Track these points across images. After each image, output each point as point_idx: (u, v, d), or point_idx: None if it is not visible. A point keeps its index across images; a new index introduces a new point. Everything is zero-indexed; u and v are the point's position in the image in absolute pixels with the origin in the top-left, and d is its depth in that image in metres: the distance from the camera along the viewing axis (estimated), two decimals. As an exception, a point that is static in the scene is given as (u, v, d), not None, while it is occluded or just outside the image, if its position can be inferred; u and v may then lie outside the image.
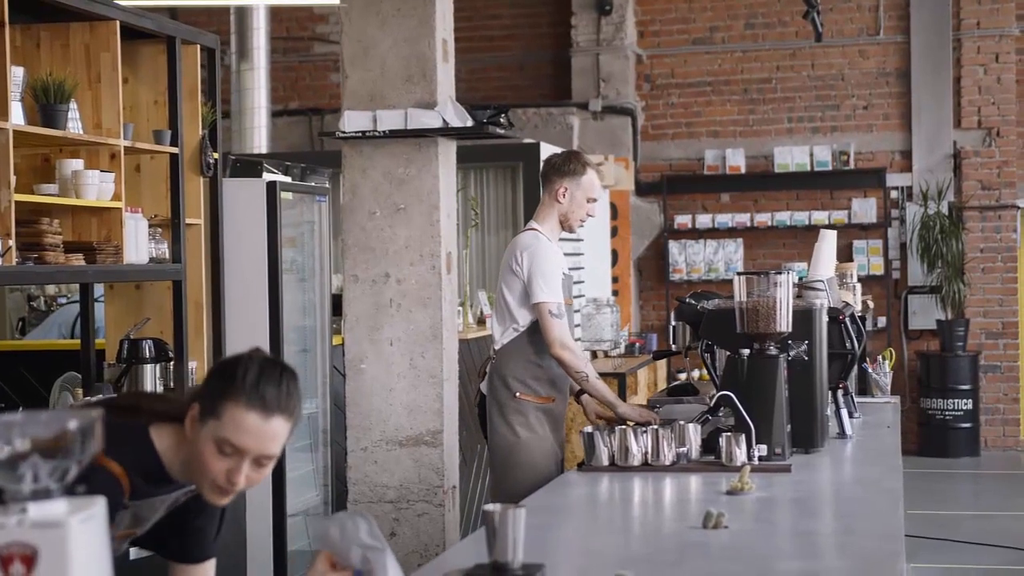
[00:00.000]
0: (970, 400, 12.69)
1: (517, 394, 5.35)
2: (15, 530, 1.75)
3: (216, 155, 6.15)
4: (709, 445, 4.51)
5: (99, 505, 1.83)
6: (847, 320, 5.24)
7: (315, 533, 2.41)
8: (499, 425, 5.37)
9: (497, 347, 5.44)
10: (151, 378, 5.56)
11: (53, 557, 1.75)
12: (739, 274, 4.63)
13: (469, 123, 5.96)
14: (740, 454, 4.33)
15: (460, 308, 8.18)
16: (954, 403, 12.67)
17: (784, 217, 13.20)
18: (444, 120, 5.91)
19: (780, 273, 4.59)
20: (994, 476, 12.10)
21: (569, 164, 5.47)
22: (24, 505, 1.78)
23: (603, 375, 9.39)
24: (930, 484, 11.44)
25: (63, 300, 9.06)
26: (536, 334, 5.33)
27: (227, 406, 2.65)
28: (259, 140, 10.94)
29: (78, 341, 5.97)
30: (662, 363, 11.82)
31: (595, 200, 5.51)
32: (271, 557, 6.41)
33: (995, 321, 13.07)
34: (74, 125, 5.06)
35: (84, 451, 1.81)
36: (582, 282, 10.78)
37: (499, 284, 5.46)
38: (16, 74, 4.84)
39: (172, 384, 5.78)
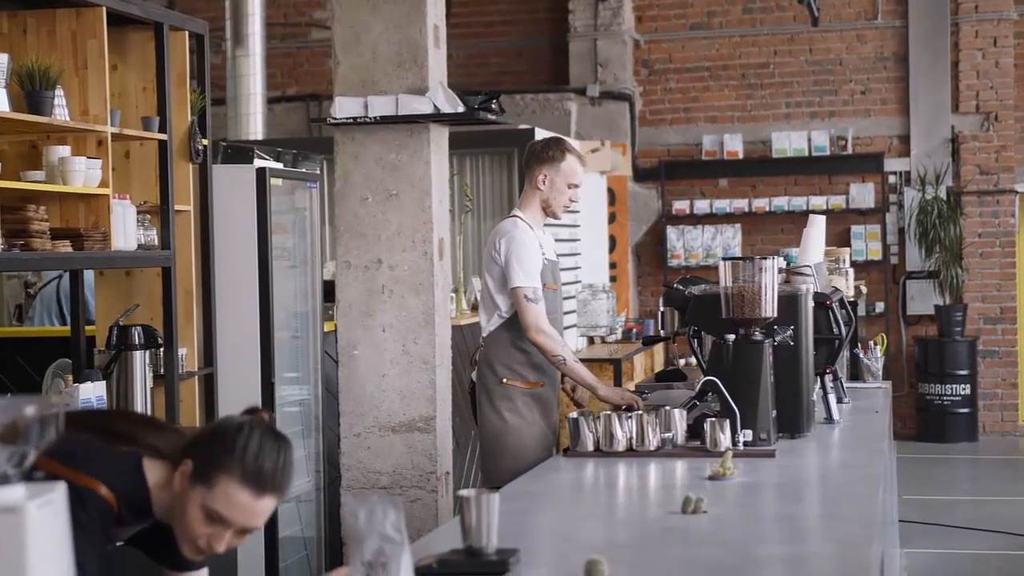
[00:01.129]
0: (968, 385, 12.69)
1: (504, 380, 5.37)
2: (-28, 516, 1.75)
3: (205, 142, 6.15)
4: (695, 431, 4.52)
5: (58, 491, 1.83)
6: (835, 305, 5.24)
7: (343, 507, 2.44)
8: (487, 411, 5.39)
9: (484, 334, 5.46)
10: (140, 364, 5.56)
11: (10, 542, 1.76)
12: (725, 259, 4.64)
13: (460, 109, 5.96)
14: (724, 439, 4.33)
15: (453, 294, 8.20)
16: (952, 388, 12.66)
17: (782, 202, 13.19)
18: (435, 106, 5.91)
19: (765, 258, 4.58)
20: (992, 461, 12.10)
21: (548, 151, 5.48)
22: (-19, 491, 1.79)
23: (599, 361, 9.47)
24: (928, 469, 11.44)
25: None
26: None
27: (221, 478, 2.64)
28: (255, 126, 10.93)
29: (69, 328, 5.97)
30: (659, 349, 11.83)
31: (576, 186, 5.51)
32: (262, 543, 6.42)
33: (993, 306, 13.06)
34: (60, 112, 5.06)
35: (42, 438, 1.82)
36: (578, 268, 10.78)
37: (483, 272, 5.50)
38: (1, 60, 4.84)
39: (163, 371, 5.78)
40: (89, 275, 6.20)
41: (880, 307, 12.97)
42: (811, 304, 4.86)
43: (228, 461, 2.65)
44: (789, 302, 4.71)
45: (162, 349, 5.74)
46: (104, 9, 5.32)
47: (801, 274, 5.32)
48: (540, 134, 10.44)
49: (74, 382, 5.43)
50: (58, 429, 1.86)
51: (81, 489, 2.59)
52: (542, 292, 5.31)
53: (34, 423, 1.81)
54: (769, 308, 4.55)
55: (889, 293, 13.06)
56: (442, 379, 6.05)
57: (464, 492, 2.82)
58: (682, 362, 12.73)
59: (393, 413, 5.93)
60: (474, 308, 8.32)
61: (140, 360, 5.57)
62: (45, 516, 1.79)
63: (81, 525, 2.51)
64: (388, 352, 5.93)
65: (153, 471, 2.74)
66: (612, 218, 12.80)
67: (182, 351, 5.91)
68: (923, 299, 13.03)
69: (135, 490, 2.71)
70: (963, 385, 12.68)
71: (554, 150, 5.48)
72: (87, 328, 5.89)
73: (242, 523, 2.68)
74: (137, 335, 5.56)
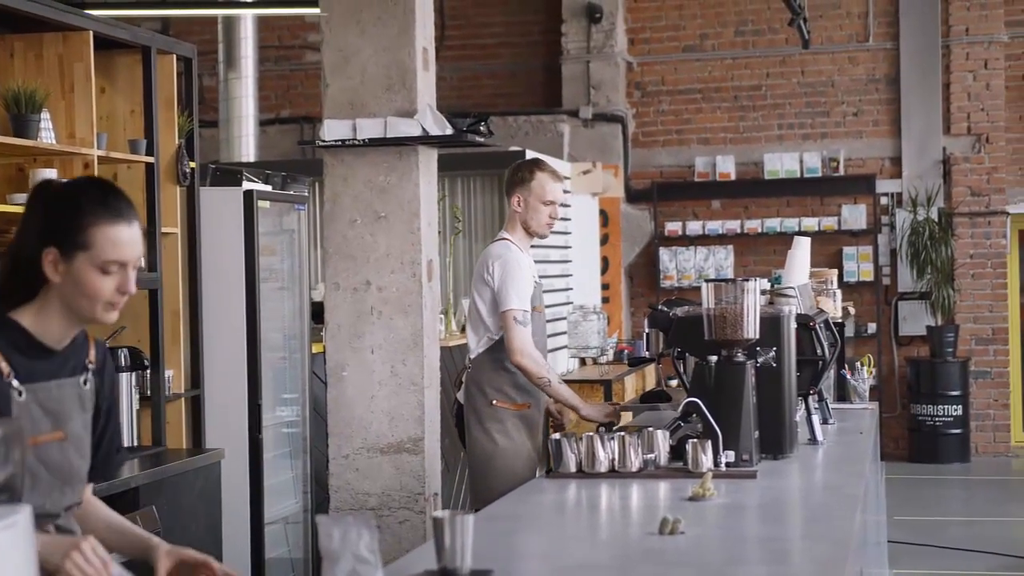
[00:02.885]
0: (960, 406, 12.70)
1: (494, 402, 5.40)
2: (-65, 538, 1.76)
3: (193, 164, 6.18)
4: (679, 452, 4.52)
5: (23, 514, 1.84)
6: (819, 327, 5.25)
7: (320, 527, 2.49)
8: (477, 433, 5.41)
9: (472, 355, 5.48)
10: (127, 386, 5.57)
11: (-27, 564, 1.77)
12: (707, 281, 4.65)
13: (449, 131, 5.98)
14: (706, 460, 4.34)
15: (443, 315, 8.21)
16: (944, 409, 12.67)
17: (774, 224, 13.22)
18: (423, 128, 5.93)
19: (748, 280, 4.60)
20: (984, 482, 12.10)
21: (517, 173, 5.62)
22: (-55, 512, 1.80)
23: (590, 382, 9.47)
24: (920, 490, 11.45)
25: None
26: None
27: (91, 233, 2.75)
28: (247, 149, 10.96)
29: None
30: (651, 370, 11.83)
31: (551, 203, 5.56)
32: (249, 565, 6.41)
33: (985, 327, 13.08)
34: (47, 135, 5.09)
35: (8, 459, 1.83)
36: (570, 289, 10.80)
37: (471, 294, 5.54)
38: (-13, 84, 4.88)
39: (149, 393, 5.79)
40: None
41: (872, 328, 12.99)
42: (793, 325, 4.88)
43: (88, 217, 2.76)
44: (772, 323, 4.72)
45: (148, 371, 5.76)
46: (91, 33, 5.35)
47: (784, 295, 5.33)
48: (530, 156, 10.46)
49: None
50: (23, 450, 1.87)
51: None
52: (531, 316, 5.34)
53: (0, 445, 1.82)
54: (751, 329, 4.56)
55: (881, 314, 13.08)
56: (431, 400, 6.06)
57: (438, 513, 2.83)
58: (674, 383, 12.78)
59: (381, 434, 5.93)
60: (463, 329, 8.34)
61: (127, 382, 5.58)
62: (8, 539, 1.81)
63: None
64: (376, 373, 5.94)
65: (22, 316, 2.81)
66: (605, 239, 12.82)
67: (169, 373, 5.93)
68: (915, 320, 13.05)
69: (14, 335, 2.78)
70: (955, 406, 12.69)
71: (523, 171, 5.60)
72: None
73: (134, 255, 2.80)
74: (123, 357, 5.57)
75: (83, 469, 2.89)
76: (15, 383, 2.76)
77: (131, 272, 2.81)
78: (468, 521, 2.83)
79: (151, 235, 5.80)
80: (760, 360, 4.65)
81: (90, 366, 2.95)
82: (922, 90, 13.09)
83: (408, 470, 5.92)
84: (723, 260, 13.33)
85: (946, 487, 11.93)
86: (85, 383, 2.92)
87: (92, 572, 2.63)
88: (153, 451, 5.75)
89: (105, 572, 2.66)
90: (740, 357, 4.58)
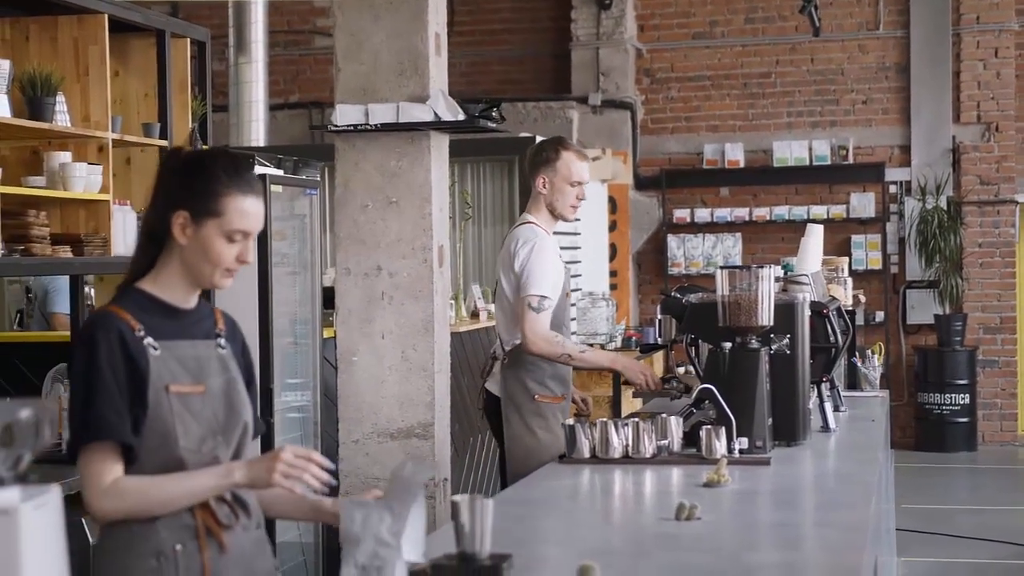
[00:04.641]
0: (967, 395, 12.70)
1: (536, 396, 5.30)
2: (-33, 517, 1.77)
3: (206, 148, 6.18)
4: (692, 438, 4.52)
5: (52, 493, 1.85)
6: (832, 314, 5.25)
7: (342, 510, 2.57)
8: (518, 428, 5.31)
9: (508, 347, 5.36)
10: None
11: (4, 544, 1.77)
12: (721, 268, 4.65)
13: (461, 117, 5.97)
14: (720, 447, 4.34)
15: (453, 301, 8.21)
16: (951, 398, 12.68)
17: (783, 211, 13.21)
18: (436, 114, 5.92)
19: (762, 267, 4.60)
20: (991, 471, 12.11)
21: (542, 153, 5.46)
22: (-24, 493, 1.80)
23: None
24: (927, 479, 11.45)
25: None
26: None
27: (224, 201, 2.89)
28: (257, 133, 10.95)
29: (68, 334, 5.99)
30: (659, 356, 11.84)
31: (578, 183, 5.44)
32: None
33: (993, 316, 13.07)
34: (61, 118, 5.09)
35: (37, 440, 1.84)
36: (579, 275, 10.80)
37: (499, 281, 5.43)
38: (2, 67, 4.87)
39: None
40: (63, 280, 6.19)
41: (880, 316, 12.99)
42: (807, 313, 4.88)
43: (221, 186, 2.89)
44: (785, 311, 4.72)
45: (161, 354, 5.76)
46: (106, 16, 5.35)
47: (798, 283, 5.33)
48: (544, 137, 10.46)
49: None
50: (52, 432, 1.88)
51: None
52: (551, 303, 5.25)
53: (28, 426, 1.83)
54: (766, 316, 4.56)
55: (889, 302, 13.08)
56: (441, 386, 6.06)
57: (457, 497, 2.83)
58: (681, 370, 12.78)
59: (392, 420, 5.93)
60: (474, 315, 8.35)
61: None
62: (39, 518, 1.81)
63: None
64: (387, 359, 5.94)
65: (145, 284, 2.96)
66: (613, 226, 12.82)
67: (181, 356, 5.93)
68: (923, 308, 13.05)
69: (143, 300, 2.93)
70: (962, 395, 12.69)
71: (548, 151, 5.45)
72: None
73: (257, 226, 2.95)
74: (137, 340, 5.57)
75: (234, 425, 3.00)
76: (149, 340, 2.89)
77: (251, 243, 2.95)
78: (487, 505, 2.83)
79: (165, 219, 5.80)
80: (774, 347, 4.64)
81: (221, 332, 3.07)
82: (932, 78, 13.07)
83: (418, 455, 5.92)
84: (731, 248, 13.32)
85: (953, 476, 11.94)
86: (220, 347, 3.04)
87: (298, 472, 2.83)
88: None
89: (312, 466, 2.86)
90: (754, 344, 4.58)
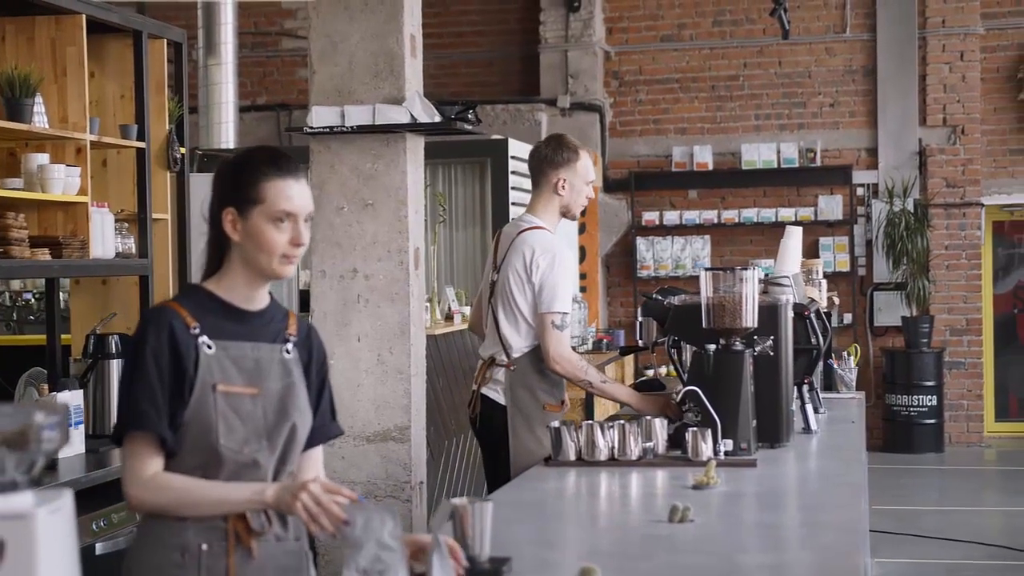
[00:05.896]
0: (934, 396, 12.78)
1: (545, 406, 5.18)
2: (-19, 522, 1.75)
3: (183, 150, 6.14)
4: (676, 440, 4.53)
5: (66, 498, 1.83)
6: (812, 316, 5.26)
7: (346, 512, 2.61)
8: (526, 438, 5.15)
9: (514, 354, 5.18)
10: (117, 373, 5.53)
11: (20, 549, 1.75)
12: (706, 270, 4.65)
13: (437, 119, 5.96)
14: (706, 449, 4.35)
15: (428, 304, 8.19)
16: (919, 399, 12.75)
17: (751, 214, 13.25)
18: (412, 116, 5.91)
19: (746, 269, 4.60)
20: (958, 471, 12.19)
21: (562, 153, 5.26)
22: (-10, 497, 1.78)
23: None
24: (895, 480, 11.51)
25: (28, 296, 9.01)
26: None
27: (263, 188, 2.96)
28: (226, 135, 10.89)
29: (44, 337, 5.93)
30: (629, 359, 11.87)
31: (591, 181, 5.35)
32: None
33: (959, 318, 13.16)
34: (40, 119, 5.04)
35: (51, 443, 1.81)
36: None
37: (506, 286, 5.19)
38: (-21, 68, 4.83)
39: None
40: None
41: (848, 318, 13.05)
42: (791, 314, 4.89)
43: (257, 175, 2.96)
44: (769, 312, 4.73)
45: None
46: (84, 17, 5.30)
47: (780, 285, 5.34)
48: (513, 145, 10.46)
49: (50, 391, 5.39)
50: (64, 437, 1.86)
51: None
52: (570, 319, 5.15)
53: (43, 429, 1.80)
54: (750, 318, 4.56)
55: (857, 305, 13.14)
56: (417, 389, 6.04)
57: (457, 500, 2.82)
58: (650, 372, 12.80)
59: (368, 423, 5.92)
60: (448, 318, 8.33)
61: (117, 369, 5.54)
62: (54, 522, 1.79)
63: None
64: (363, 362, 5.92)
65: (209, 284, 3.01)
66: (582, 229, 12.83)
67: (159, 360, 5.88)
68: (890, 311, 13.11)
69: (204, 299, 2.99)
70: (929, 396, 12.77)
71: (568, 152, 5.26)
72: (63, 336, 5.86)
73: (304, 207, 2.99)
74: (114, 344, 5.53)
75: (282, 430, 3.02)
76: (204, 338, 2.94)
77: (303, 225, 2.98)
78: (487, 508, 2.82)
79: (142, 221, 5.76)
80: (758, 349, 4.65)
81: (291, 338, 3.08)
82: (898, 81, 13.15)
83: (394, 459, 5.91)
84: (700, 250, 13.36)
85: (921, 476, 12.00)
86: (287, 352, 3.06)
87: (318, 511, 2.80)
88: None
89: (334, 507, 2.81)
90: (738, 346, 4.59)
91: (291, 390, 3.04)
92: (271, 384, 3.01)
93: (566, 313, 5.11)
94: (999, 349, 13.61)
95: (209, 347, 2.94)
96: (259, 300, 3.06)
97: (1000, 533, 9.41)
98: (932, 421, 12.80)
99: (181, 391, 2.91)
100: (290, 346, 3.07)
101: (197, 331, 2.94)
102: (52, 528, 1.78)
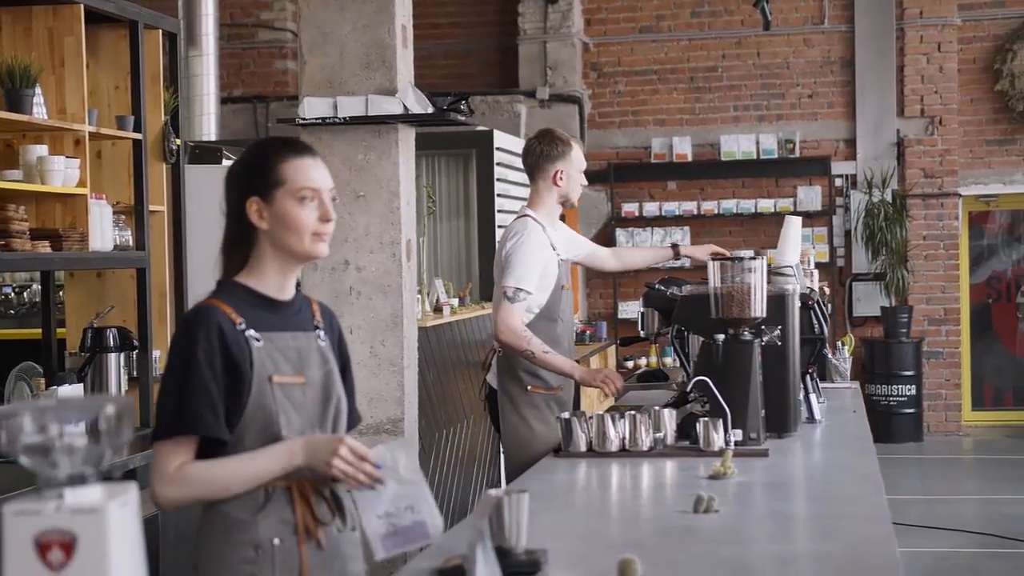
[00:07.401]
0: (913, 386, 12.83)
1: (529, 387, 5.30)
2: (53, 516, 1.73)
3: (178, 141, 6.09)
4: (683, 431, 4.52)
5: (133, 491, 1.80)
6: (815, 304, 5.27)
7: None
8: (513, 419, 5.31)
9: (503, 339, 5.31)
10: (115, 367, 5.49)
11: (92, 543, 1.73)
12: (714, 259, 4.64)
13: (430, 110, 5.94)
14: (718, 439, 4.34)
15: (419, 296, 8.15)
16: (898, 389, 12.80)
17: (731, 205, 13.26)
18: (405, 107, 5.88)
19: (754, 258, 4.60)
20: (937, 460, 12.25)
21: (556, 147, 5.48)
22: (60, 491, 1.75)
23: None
24: (876, 469, 11.53)
25: (8, 290, 8.92)
26: (540, 325, 5.29)
27: (283, 169, 2.96)
28: (208, 127, 10.82)
29: (39, 331, 5.87)
30: (611, 350, 11.86)
31: (583, 169, 5.60)
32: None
33: (938, 308, 13.21)
34: (39, 110, 4.99)
35: (119, 436, 1.79)
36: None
37: (495, 274, 5.42)
38: (-24, 58, 4.77)
39: (136, 374, 5.70)
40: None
41: (828, 309, 13.07)
42: (797, 304, 4.89)
43: (273, 159, 2.96)
44: (776, 302, 4.73)
45: (136, 351, 5.66)
46: (82, 7, 5.24)
47: (783, 274, 5.34)
48: (498, 136, 10.43)
49: (48, 385, 5.34)
50: (131, 431, 1.83)
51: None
52: (526, 296, 5.23)
53: (112, 421, 1.78)
54: (758, 308, 4.56)
55: (836, 295, 13.17)
56: (410, 381, 6.02)
57: (494, 491, 2.80)
58: (629, 364, 12.81)
59: (361, 415, 5.89)
60: (437, 310, 8.30)
61: (115, 362, 5.50)
62: (124, 515, 1.77)
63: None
64: (356, 354, 5.85)
65: (241, 277, 2.99)
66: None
67: (156, 353, 5.84)
68: (869, 301, 13.16)
69: (240, 293, 2.97)
70: (908, 386, 12.82)
71: (560, 145, 5.49)
72: (58, 330, 5.80)
73: (325, 182, 2.99)
74: (112, 337, 5.48)
75: (329, 417, 3.01)
76: (251, 332, 2.92)
77: (327, 200, 2.97)
78: (524, 499, 2.80)
79: (138, 214, 5.70)
80: (765, 339, 4.64)
81: (319, 324, 3.08)
82: (876, 72, 13.18)
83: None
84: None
85: (900, 466, 12.04)
86: (320, 340, 3.05)
87: (354, 472, 2.81)
88: (144, 432, 5.66)
89: (367, 466, 2.81)
90: (747, 335, 4.58)
91: (330, 377, 3.04)
92: (313, 372, 3.01)
93: (521, 288, 5.22)
94: (975, 339, 13.67)
95: (257, 340, 2.92)
96: (290, 289, 3.05)
97: (985, 521, 9.45)
98: (912, 411, 12.86)
99: (238, 390, 2.89)
100: (322, 333, 3.07)
101: (243, 326, 2.92)
102: (122, 521, 1.76)
